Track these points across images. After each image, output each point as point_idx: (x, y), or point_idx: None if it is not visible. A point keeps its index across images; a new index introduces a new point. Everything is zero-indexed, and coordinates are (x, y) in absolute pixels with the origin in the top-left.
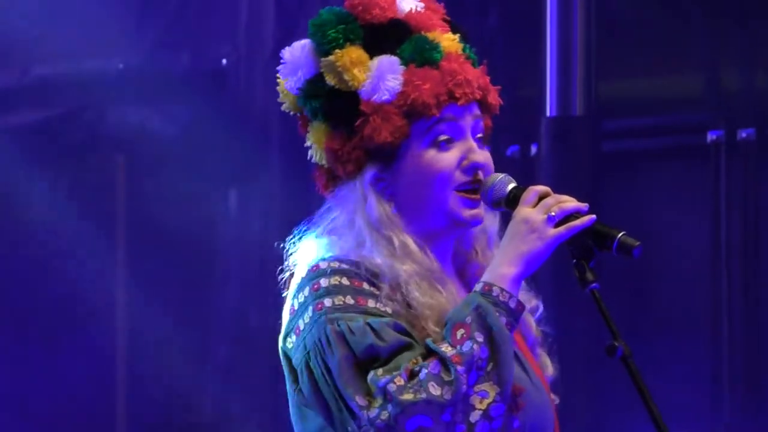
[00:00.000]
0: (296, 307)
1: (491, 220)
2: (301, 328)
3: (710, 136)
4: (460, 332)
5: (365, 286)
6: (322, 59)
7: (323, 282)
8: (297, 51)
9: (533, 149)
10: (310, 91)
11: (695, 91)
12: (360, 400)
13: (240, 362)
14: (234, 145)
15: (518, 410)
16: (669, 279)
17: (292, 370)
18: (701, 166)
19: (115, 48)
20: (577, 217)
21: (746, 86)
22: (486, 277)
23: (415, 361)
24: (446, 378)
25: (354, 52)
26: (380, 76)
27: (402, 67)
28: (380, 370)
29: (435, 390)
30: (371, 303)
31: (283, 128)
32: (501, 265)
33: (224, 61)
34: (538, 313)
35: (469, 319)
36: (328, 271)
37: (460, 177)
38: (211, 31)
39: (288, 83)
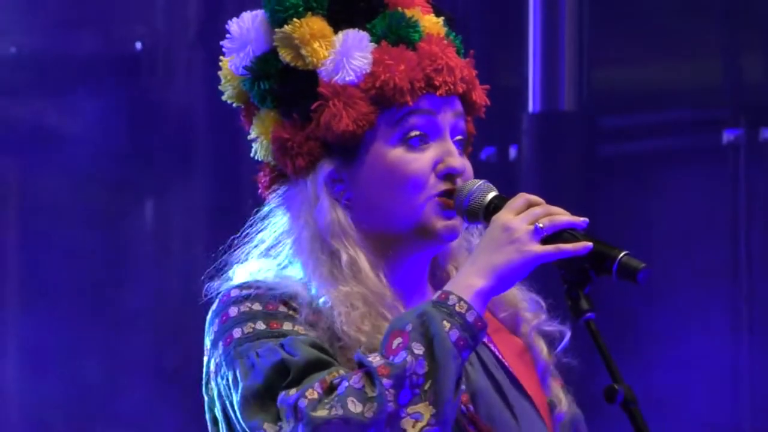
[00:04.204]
0: (208, 346)
1: (476, 236)
2: (213, 369)
3: (727, 136)
4: (396, 341)
5: (281, 308)
6: (277, 30)
7: (232, 311)
8: (247, 22)
9: (512, 152)
10: (260, 70)
11: (710, 81)
12: (268, 428)
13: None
14: (151, 147)
15: None
16: (679, 305)
17: (215, 421)
18: (716, 172)
19: (4, 28)
20: (572, 235)
21: None
22: (447, 285)
23: (335, 373)
24: (370, 393)
25: (316, 24)
26: (345, 52)
27: (372, 44)
28: (292, 389)
29: (355, 407)
30: (287, 326)
31: (210, 125)
32: (467, 275)
33: (138, 44)
34: (563, 344)
35: (410, 327)
36: (239, 297)
37: (434, 184)
38: (123, 8)
39: (233, 62)
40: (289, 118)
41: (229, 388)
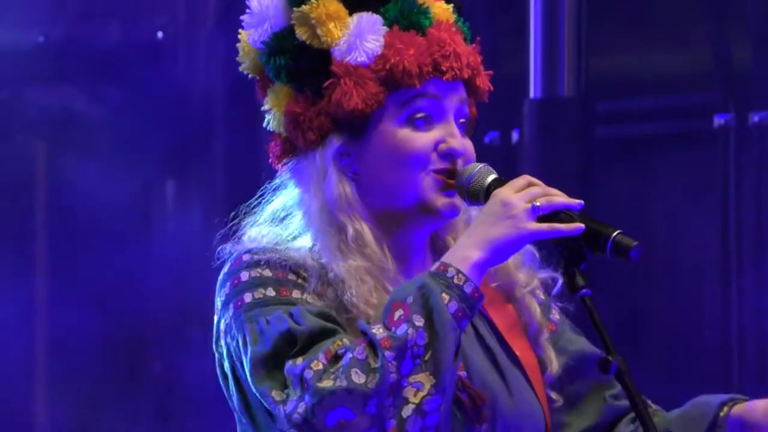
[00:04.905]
0: (219, 306)
1: (475, 210)
2: (223, 329)
3: (718, 120)
4: (398, 313)
5: (290, 276)
6: (295, 9)
7: (243, 275)
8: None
9: (515, 136)
10: (277, 46)
11: (701, 68)
12: (276, 395)
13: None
14: (171, 130)
15: (481, 422)
16: (671, 282)
17: (225, 376)
18: (707, 155)
19: (33, 18)
20: (567, 216)
21: (759, 63)
22: (445, 257)
23: (339, 343)
24: (373, 364)
25: (332, 5)
26: (359, 34)
27: (384, 28)
28: (299, 358)
29: (358, 378)
30: (296, 294)
31: (228, 109)
32: (465, 247)
33: (160, 33)
34: (555, 289)
35: (410, 299)
36: (251, 262)
37: (435, 162)
38: None
39: (251, 36)
40: (302, 93)
41: (239, 350)
